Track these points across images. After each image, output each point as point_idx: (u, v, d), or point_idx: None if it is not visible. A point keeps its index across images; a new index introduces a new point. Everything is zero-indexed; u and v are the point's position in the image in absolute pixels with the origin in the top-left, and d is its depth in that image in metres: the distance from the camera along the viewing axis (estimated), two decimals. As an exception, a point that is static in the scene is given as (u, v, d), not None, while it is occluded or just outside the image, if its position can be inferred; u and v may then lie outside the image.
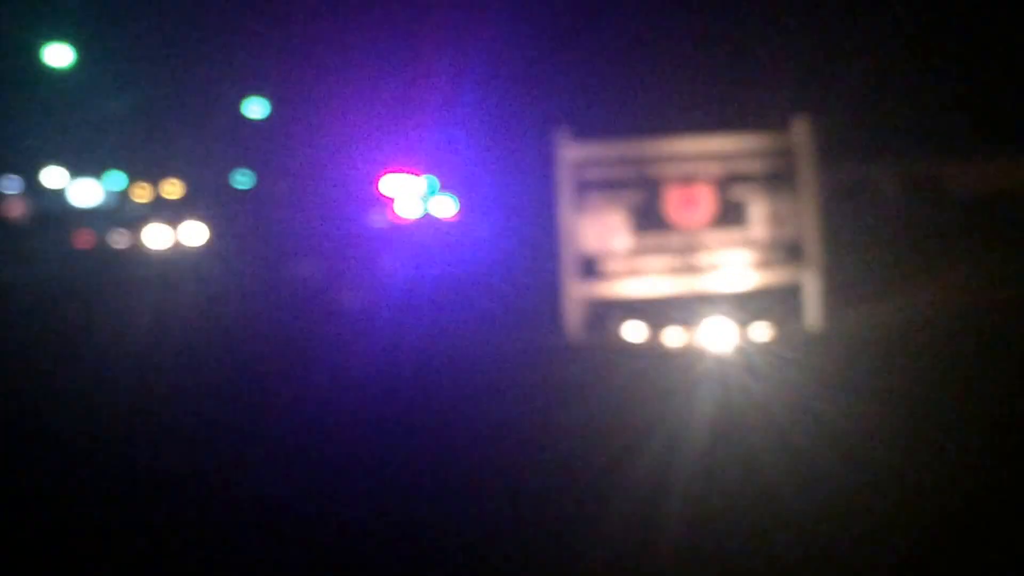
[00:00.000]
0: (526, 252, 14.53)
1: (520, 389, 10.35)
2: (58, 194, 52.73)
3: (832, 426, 8.24)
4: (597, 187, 12.48)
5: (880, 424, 8.26)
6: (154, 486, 7.71)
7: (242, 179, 41.44)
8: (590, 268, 12.43)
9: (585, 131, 12.75)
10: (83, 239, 28.43)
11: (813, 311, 12.56)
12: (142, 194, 48.86)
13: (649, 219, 12.47)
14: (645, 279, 12.47)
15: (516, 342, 12.55)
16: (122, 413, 9.68)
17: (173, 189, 45.35)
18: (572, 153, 12.49)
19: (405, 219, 18.40)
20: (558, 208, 12.48)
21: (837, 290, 12.68)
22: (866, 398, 9.00)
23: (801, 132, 12.64)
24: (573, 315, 12.43)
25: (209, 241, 17.80)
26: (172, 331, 13.79)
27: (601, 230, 12.45)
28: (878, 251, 13.37)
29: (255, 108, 40.00)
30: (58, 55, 33.82)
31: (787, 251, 12.60)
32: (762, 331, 12.12)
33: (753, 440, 7.97)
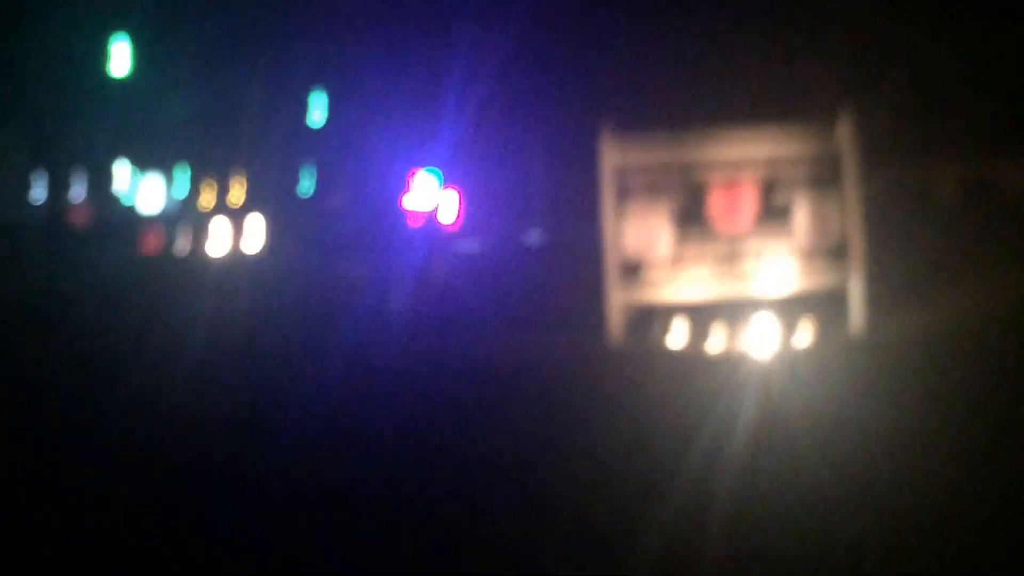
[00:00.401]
0: (568, 256, 14.46)
1: (562, 394, 10.33)
2: (123, 198, 53.56)
3: (877, 432, 8.17)
4: (640, 191, 12.39)
5: (926, 430, 8.19)
6: (222, 486, 7.85)
7: (306, 181, 41.84)
8: (633, 273, 12.35)
9: (627, 135, 12.67)
10: (149, 242, 28.63)
11: (858, 315, 12.43)
12: (208, 197, 49.33)
13: (692, 223, 12.38)
14: (688, 284, 12.38)
15: (558, 347, 12.50)
16: (185, 414, 9.75)
17: (238, 192, 45.74)
18: (614, 157, 12.42)
19: (447, 223, 18.43)
20: (600, 212, 12.40)
21: (883, 294, 12.56)
22: (912, 404, 8.91)
23: (846, 134, 12.53)
24: (615, 320, 12.35)
25: (272, 243, 17.86)
26: (235, 335, 13.90)
27: (644, 234, 12.37)
28: (925, 254, 13.19)
29: (318, 109, 40.42)
30: (120, 56, 34.09)
31: (832, 255, 12.48)
32: (806, 336, 12.02)
33: (797, 445, 7.92)
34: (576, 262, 13.68)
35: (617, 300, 12.40)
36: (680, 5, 14.59)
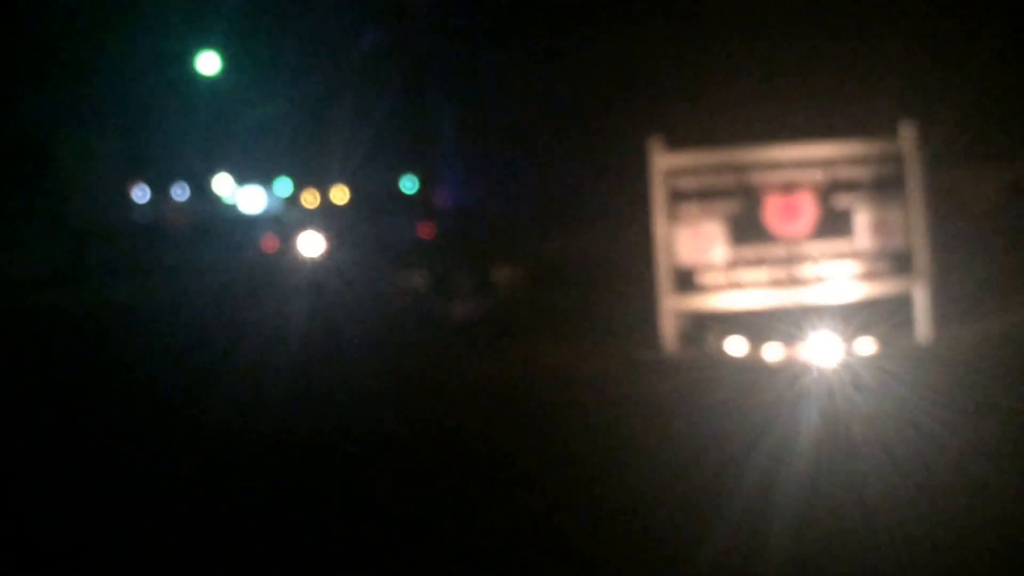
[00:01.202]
0: (621, 264, 14.26)
1: (617, 405, 10.15)
2: (226, 202, 55.15)
3: (942, 444, 7.97)
4: (693, 196, 12.07)
5: (992, 441, 8.00)
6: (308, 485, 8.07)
7: (408, 184, 42.80)
8: (687, 281, 12.03)
9: (681, 138, 12.37)
10: (263, 245, 29.05)
11: (922, 324, 12.06)
12: (310, 200, 50.31)
13: (748, 229, 12.04)
14: (745, 292, 12.05)
15: (611, 357, 12.26)
16: (272, 414, 10.06)
17: (340, 195, 46.61)
18: (667, 161, 12.09)
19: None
20: (653, 219, 12.10)
21: (948, 302, 12.20)
22: (978, 415, 8.70)
23: (909, 137, 12.15)
24: (669, 329, 12.04)
25: (374, 246, 18.02)
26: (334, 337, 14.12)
27: (698, 241, 12.05)
28: (990, 261, 12.83)
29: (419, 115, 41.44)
30: (208, 64, 34.63)
31: (895, 262, 12.12)
32: (868, 345, 11.64)
33: (859, 459, 7.70)
34: (628, 269, 13.47)
35: (670, 308, 12.08)
36: (736, 9, 14.32)
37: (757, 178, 12.09)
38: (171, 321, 18.96)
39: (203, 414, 10.15)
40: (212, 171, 52.86)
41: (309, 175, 50.73)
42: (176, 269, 32.13)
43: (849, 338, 11.65)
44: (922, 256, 12.11)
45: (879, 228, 12.10)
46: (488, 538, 6.77)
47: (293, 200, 50.86)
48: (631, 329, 12.68)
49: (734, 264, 12.05)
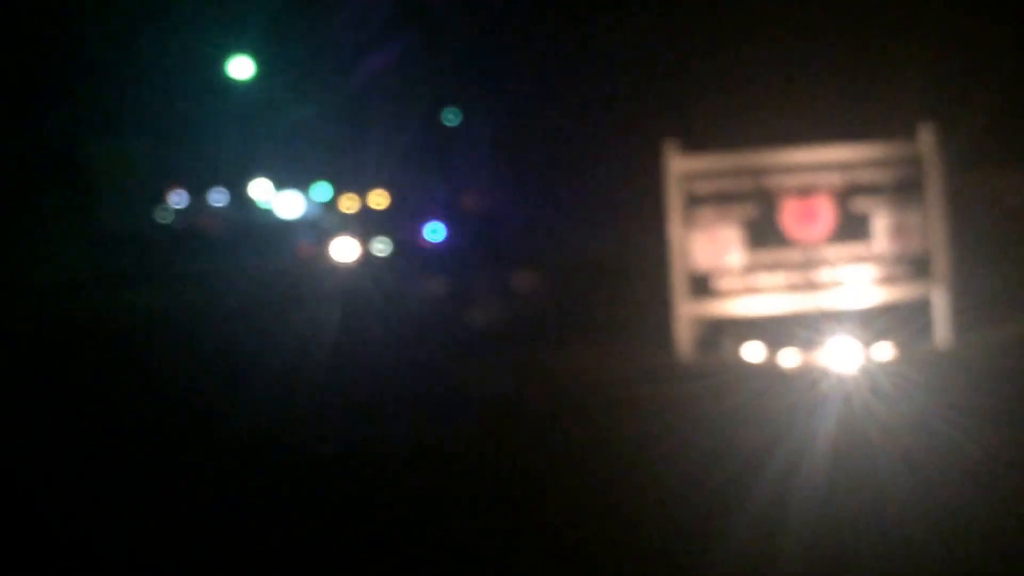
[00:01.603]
0: (638, 269, 14.18)
1: (631, 412, 10.07)
2: (264, 207, 55.68)
3: (961, 451, 7.85)
4: (709, 200, 11.96)
5: (1011, 448, 7.91)
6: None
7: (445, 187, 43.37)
8: (702, 286, 11.91)
9: (699, 141, 12.27)
10: (299, 250, 29.34)
11: (942, 329, 11.93)
12: (350, 205, 50.61)
13: (765, 233, 11.93)
14: (761, 297, 11.93)
15: (627, 362, 12.18)
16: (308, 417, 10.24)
17: (380, 199, 46.89)
18: (682, 165, 11.98)
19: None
20: (667, 223, 11.99)
21: (967, 307, 12.05)
22: (999, 421, 8.59)
23: (928, 139, 12.01)
24: (684, 335, 11.92)
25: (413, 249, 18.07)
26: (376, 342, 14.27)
27: (713, 246, 11.94)
28: (1012, 265, 12.68)
29: (450, 116, 41.80)
30: (241, 68, 34.82)
31: (914, 266, 12.00)
32: (887, 351, 11.51)
33: (877, 466, 7.58)
34: (642, 273, 13.40)
35: (685, 313, 11.96)
36: (751, 7, 14.21)
37: (774, 181, 11.97)
38: (205, 326, 19.03)
39: (232, 419, 10.17)
40: (249, 176, 53.30)
41: (348, 179, 51.10)
42: (212, 274, 32.37)
43: (867, 343, 11.53)
44: (942, 260, 11.98)
45: (898, 232, 11.97)
46: (500, 543, 6.75)
47: (332, 205, 51.28)
48: (647, 334, 12.60)
49: (750, 269, 11.94)
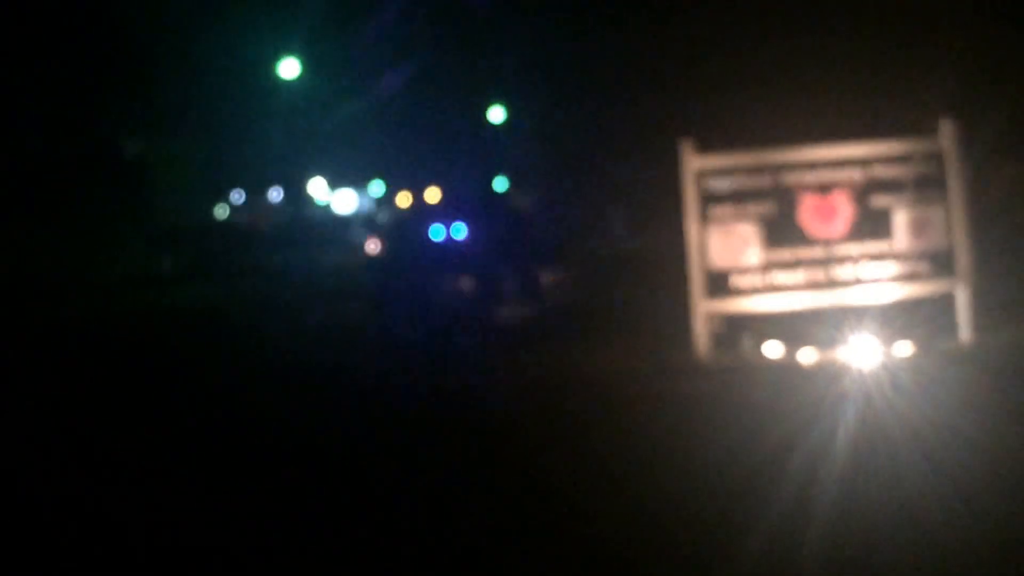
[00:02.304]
0: (653, 267, 14.19)
1: (651, 410, 10.07)
2: (320, 204, 56.80)
3: (982, 447, 7.84)
4: (727, 198, 11.92)
5: None
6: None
7: (498, 185, 43.87)
8: (720, 283, 11.88)
9: (718, 139, 12.23)
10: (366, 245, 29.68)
11: (964, 325, 11.81)
12: (403, 201, 51.46)
13: (784, 231, 11.86)
14: (780, 294, 11.87)
15: (646, 360, 12.20)
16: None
17: (433, 196, 47.67)
18: (699, 163, 11.95)
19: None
20: (685, 221, 11.97)
21: (990, 304, 11.93)
22: (1019, 417, 8.53)
23: (949, 135, 11.90)
24: (702, 332, 11.89)
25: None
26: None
27: (731, 243, 11.89)
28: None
29: (496, 114, 42.38)
30: (290, 69, 35.31)
31: (935, 262, 11.87)
32: (908, 348, 11.43)
33: (897, 463, 7.62)
34: (661, 271, 13.39)
35: (703, 311, 11.93)
36: (771, 5, 14.14)
37: (792, 179, 11.90)
38: (262, 319, 20.10)
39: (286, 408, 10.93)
40: (305, 174, 54.21)
41: (402, 177, 51.92)
42: (268, 269, 32.82)
43: (888, 341, 11.46)
44: (964, 257, 11.85)
45: (919, 228, 11.86)
46: (519, 537, 6.82)
47: (386, 201, 51.86)
48: (667, 332, 12.58)
49: (769, 266, 11.88)
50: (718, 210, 11.92)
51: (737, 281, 11.90)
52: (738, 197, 11.90)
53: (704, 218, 11.91)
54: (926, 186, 11.88)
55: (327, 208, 55.30)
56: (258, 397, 11.70)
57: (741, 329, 12.03)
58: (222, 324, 20.12)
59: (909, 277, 11.89)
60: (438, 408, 10.92)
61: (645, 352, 12.52)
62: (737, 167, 11.94)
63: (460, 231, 16.45)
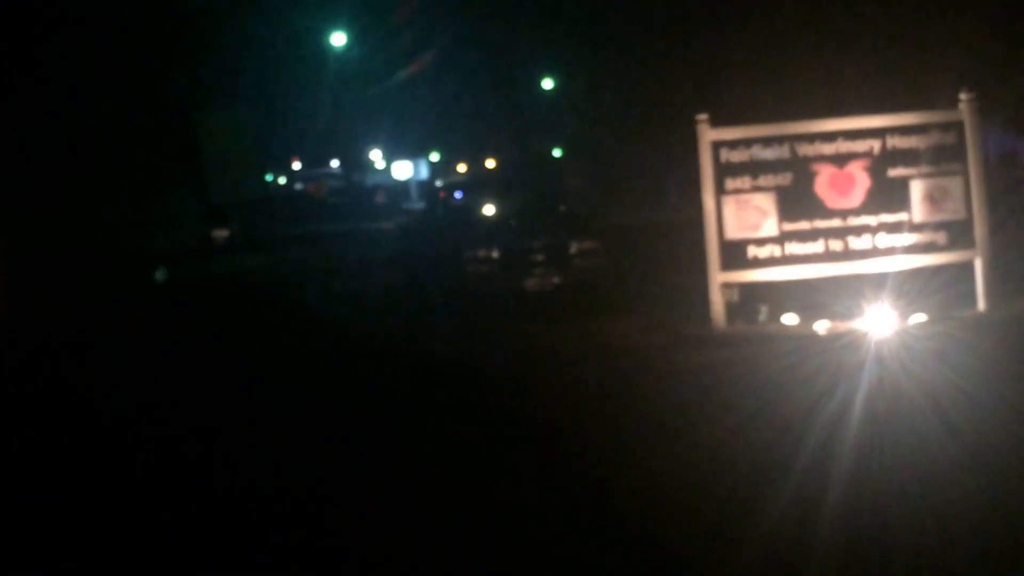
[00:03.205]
0: (670, 238, 14.23)
1: (669, 379, 10.18)
2: (378, 172, 57.59)
3: (1002, 417, 7.91)
4: (744, 170, 11.99)
5: None
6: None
7: (554, 153, 44.14)
8: (738, 254, 11.96)
9: (738, 111, 12.28)
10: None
11: (981, 295, 11.84)
12: (461, 171, 52.06)
13: (800, 202, 11.92)
14: (797, 265, 11.94)
15: (660, 332, 12.33)
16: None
17: (490, 164, 48.17)
18: (716, 135, 12.03)
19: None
20: (702, 192, 12.07)
21: (1007, 274, 11.95)
22: None
23: (969, 106, 11.90)
24: (718, 303, 12.00)
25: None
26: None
27: (748, 214, 11.97)
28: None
29: (547, 83, 42.62)
30: (340, 39, 35.62)
31: (952, 232, 11.89)
32: (925, 317, 11.47)
33: (915, 432, 7.67)
34: (679, 241, 13.42)
35: (720, 281, 12.03)
36: None
37: (809, 150, 11.95)
38: (321, 283, 20.76)
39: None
40: (363, 145, 54.80)
41: (458, 147, 52.41)
42: (326, 236, 33.18)
43: (905, 310, 11.51)
44: (981, 227, 11.87)
45: (936, 198, 11.87)
46: (538, 506, 6.88)
47: (442, 171, 52.30)
48: (689, 302, 12.66)
49: (786, 237, 11.94)
50: (736, 182, 12.00)
51: (754, 251, 11.99)
52: (755, 169, 11.98)
53: (721, 190, 12.01)
54: (944, 157, 11.89)
55: (384, 177, 55.91)
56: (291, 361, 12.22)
57: (759, 299, 12.12)
58: (267, 292, 20.62)
59: (926, 247, 11.91)
60: (455, 377, 11.12)
61: (669, 322, 12.61)
62: (754, 139, 12.00)
63: (494, 202, 16.55)
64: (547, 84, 42.48)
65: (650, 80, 16.94)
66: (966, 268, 11.93)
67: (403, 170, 55.33)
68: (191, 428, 9.47)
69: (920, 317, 11.47)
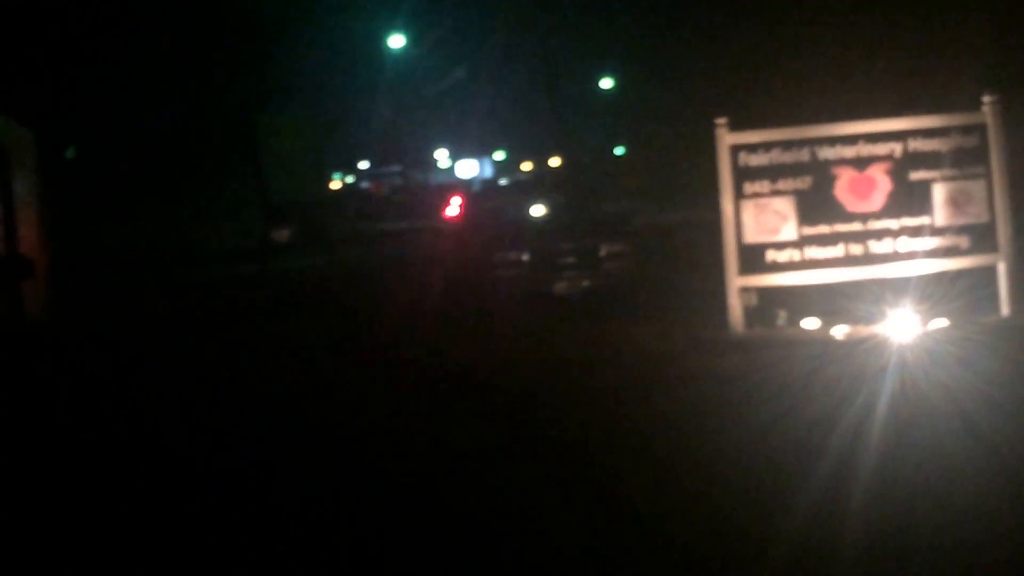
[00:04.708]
0: (689, 242, 14.19)
1: (687, 384, 10.16)
2: (443, 171, 58.39)
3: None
4: (763, 173, 11.93)
5: None
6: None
7: (617, 152, 44.44)
8: (757, 258, 11.91)
9: (757, 115, 12.21)
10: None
11: (1004, 300, 11.69)
12: (526, 169, 52.56)
13: (820, 205, 11.85)
14: (816, 269, 11.86)
15: (679, 336, 12.31)
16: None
17: (553, 163, 48.58)
18: (734, 139, 11.98)
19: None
20: (720, 196, 12.02)
21: None
22: None
23: (993, 108, 11.76)
24: (736, 307, 11.95)
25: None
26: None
27: (767, 218, 11.91)
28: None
29: (606, 83, 42.91)
30: (399, 42, 35.91)
31: (975, 236, 11.74)
32: (947, 322, 11.37)
33: (937, 437, 7.68)
34: (696, 245, 13.38)
35: (738, 285, 11.96)
36: None
37: (829, 153, 11.85)
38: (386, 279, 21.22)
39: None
40: (427, 145, 55.37)
41: (522, 146, 52.82)
42: (384, 235, 33.43)
43: (927, 315, 11.41)
44: (1004, 230, 11.73)
45: (959, 202, 11.73)
46: (554, 510, 6.95)
47: (507, 169, 52.70)
48: (708, 306, 12.61)
49: (805, 241, 11.87)
50: (754, 186, 11.93)
51: (773, 256, 11.92)
52: (774, 172, 11.91)
53: (740, 194, 11.96)
54: (966, 159, 11.75)
55: (448, 176, 56.50)
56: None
57: (778, 303, 12.05)
58: (307, 294, 20.93)
59: (948, 251, 11.76)
60: (475, 380, 11.18)
61: (683, 326, 12.58)
62: (773, 142, 11.94)
63: (539, 205, 16.61)
64: (606, 84, 42.65)
65: (692, 79, 16.95)
66: (989, 272, 11.78)
67: (467, 169, 55.95)
68: (191, 428, 9.77)
69: (942, 322, 11.37)
